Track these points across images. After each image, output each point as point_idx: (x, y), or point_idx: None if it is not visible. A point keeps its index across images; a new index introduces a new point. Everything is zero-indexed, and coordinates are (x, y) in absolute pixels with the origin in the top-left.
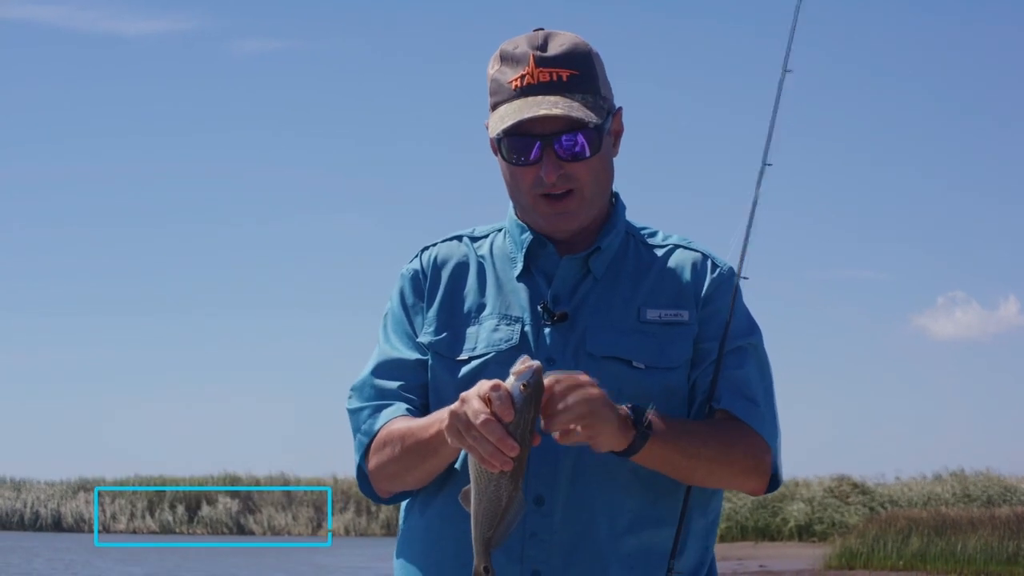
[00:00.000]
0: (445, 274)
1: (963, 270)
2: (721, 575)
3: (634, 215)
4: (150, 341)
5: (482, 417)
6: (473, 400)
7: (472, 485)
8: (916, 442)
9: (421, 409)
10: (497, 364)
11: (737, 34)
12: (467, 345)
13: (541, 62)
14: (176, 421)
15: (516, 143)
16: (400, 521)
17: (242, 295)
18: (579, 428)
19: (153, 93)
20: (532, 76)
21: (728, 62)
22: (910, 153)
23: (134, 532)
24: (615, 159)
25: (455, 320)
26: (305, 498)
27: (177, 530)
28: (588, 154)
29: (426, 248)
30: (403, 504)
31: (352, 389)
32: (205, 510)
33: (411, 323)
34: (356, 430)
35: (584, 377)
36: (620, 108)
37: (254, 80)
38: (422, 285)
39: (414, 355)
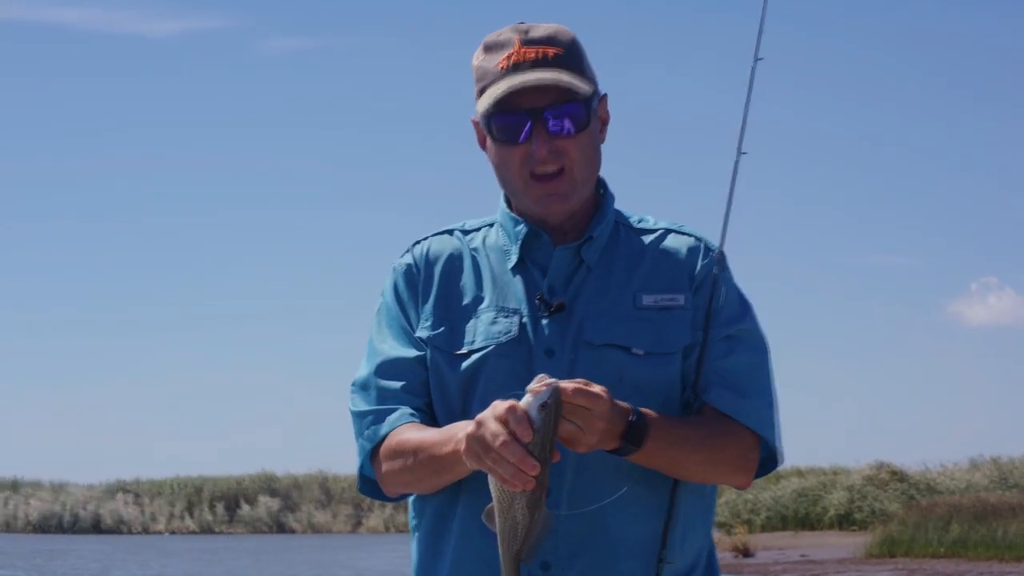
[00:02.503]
0: (438, 268)
1: (996, 256)
2: (764, 564)
3: (619, 203)
4: (186, 344)
5: (501, 439)
6: (490, 422)
7: (495, 504)
8: (952, 428)
9: (425, 408)
10: (497, 356)
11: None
12: (466, 339)
13: (526, 42)
14: (213, 421)
15: (505, 120)
16: (414, 522)
17: (276, 292)
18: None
19: (180, 92)
20: (518, 55)
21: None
22: (946, 140)
23: (173, 532)
24: (602, 146)
25: (452, 314)
26: (344, 496)
27: (217, 529)
28: (577, 129)
29: (417, 242)
30: (412, 502)
31: (353, 390)
32: (244, 509)
33: (407, 318)
34: (359, 434)
35: (596, 388)
36: (605, 95)
37: (280, 78)
38: (416, 279)
39: (413, 352)
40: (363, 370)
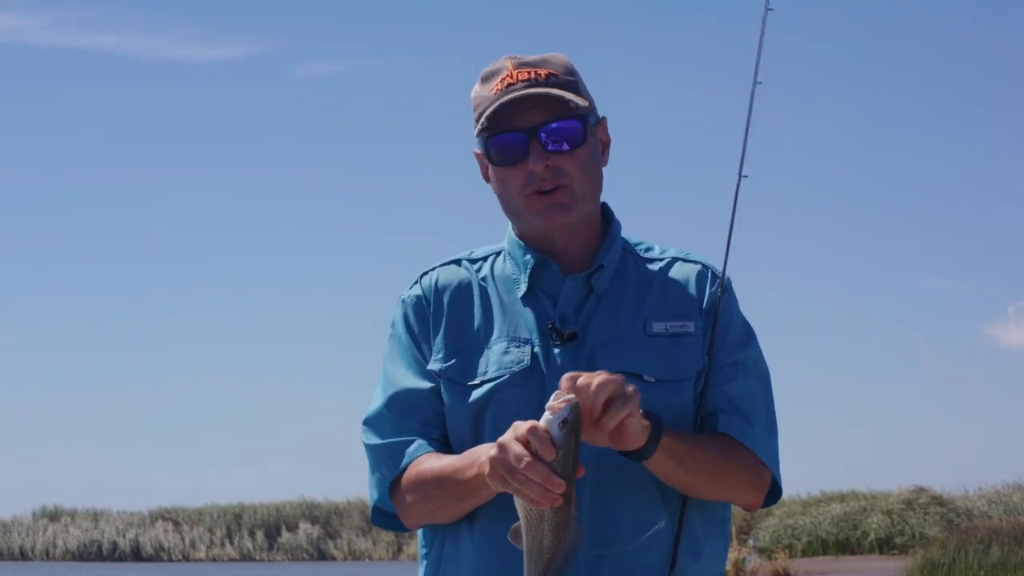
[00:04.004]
0: (447, 298)
1: None
2: None
3: (626, 228)
4: (226, 370)
5: (525, 461)
6: (512, 444)
7: (522, 523)
8: (991, 452)
9: (441, 440)
10: (510, 386)
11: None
12: (479, 370)
13: (520, 65)
14: (252, 447)
15: (502, 142)
16: (423, 551)
17: (315, 316)
18: (615, 409)
19: (217, 117)
20: (512, 77)
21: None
22: (979, 162)
23: (214, 559)
24: (605, 169)
25: (464, 345)
26: None
27: (257, 556)
28: (573, 145)
29: (425, 273)
30: (421, 533)
31: (366, 423)
32: (285, 536)
33: (419, 350)
34: (376, 468)
35: (616, 376)
36: (604, 118)
37: (317, 102)
38: (426, 311)
39: (426, 384)
40: (376, 403)
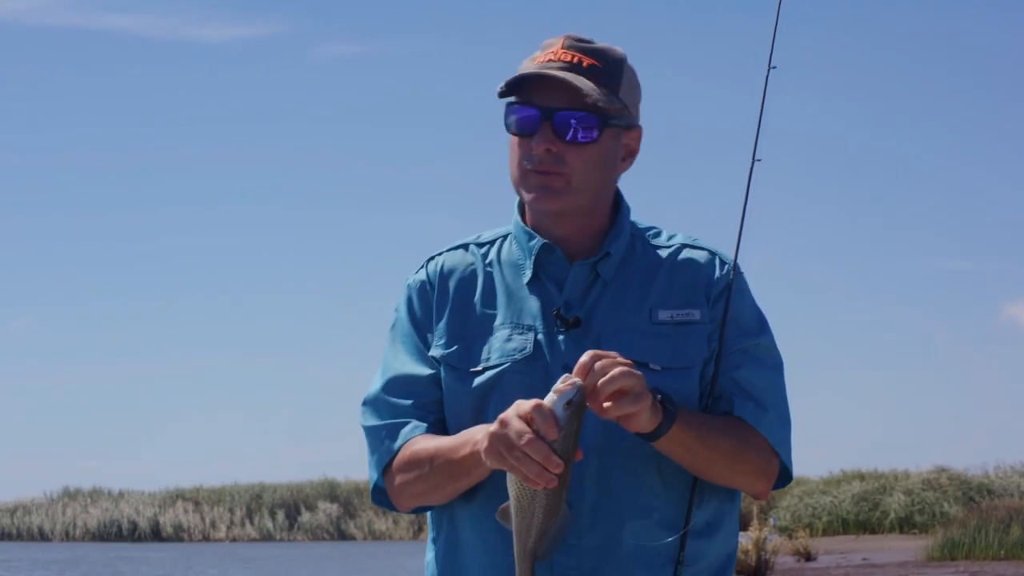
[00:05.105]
0: (452, 284)
1: None
2: (826, 568)
3: (634, 213)
4: (245, 351)
5: (526, 437)
6: (514, 420)
7: (512, 502)
8: (1011, 431)
9: (436, 425)
10: (512, 374)
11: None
12: (481, 356)
13: (570, 46)
14: (272, 428)
15: (517, 111)
16: (432, 535)
17: (333, 298)
18: (622, 403)
19: (234, 98)
20: (556, 55)
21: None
22: (1000, 142)
23: (234, 540)
24: (622, 176)
25: (467, 331)
26: None
27: (277, 536)
28: (582, 138)
29: (431, 258)
30: (431, 516)
31: (364, 405)
32: (305, 516)
33: (421, 336)
34: (374, 449)
35: (621, 357)
36: (639, 127)
37: (334, 84)
38: (430, 297)
39: (425, 370)
40: (375, 385)
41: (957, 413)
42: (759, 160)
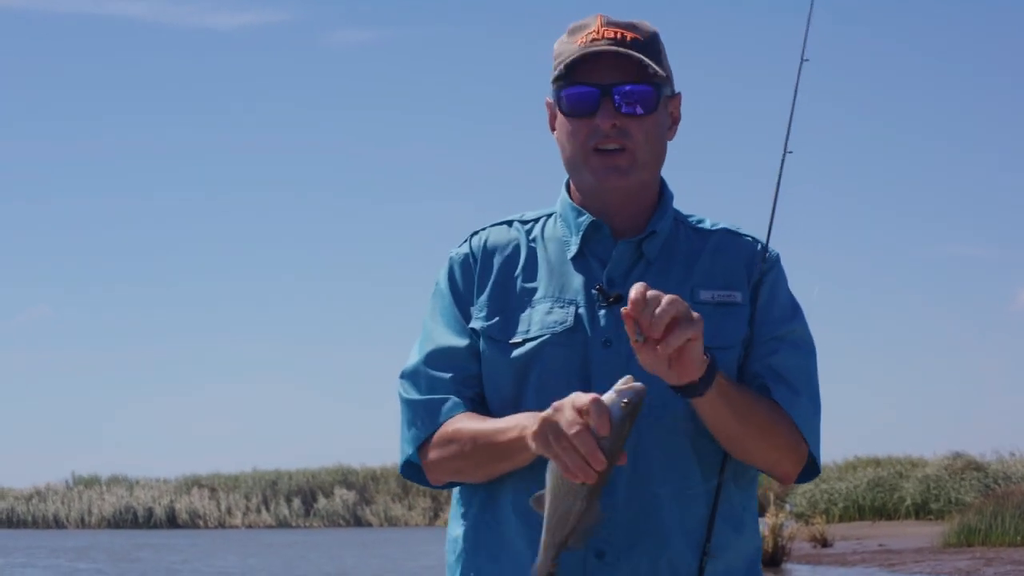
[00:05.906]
0: (496, 259)
1: None
2: (842, 554)
3: (677, 202)
4: (259, 337)
5: (576, 428)
6: (567, 409)
7: (548, 492)
8: None
9: (474, 400)
10: (552, 346)
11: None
12: (520, 328)
13: (608, 24)
14: (288, 414)
15: (575, 93)
16: (460, 510)
17: (349, 283)
18: (682, 329)
19: (247, 84)
20: (598, 33)
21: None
22: (1014, 128)
23: (250, 527)
24: (670, 143)
25: (508, 304)
26: (421, 488)
27: (293, 523)
28: (645, 110)
29: (475, 233)
30: (460, 491)
31: (403, 377)
32: (321, 502)
33: (461, 308)
34: (411, 423)
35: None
36: (679, 94)
37: (347, 71)
38: (472, 270)
39: (465, 342)
40: (414, 358)
41: (974, 399)
42: (790, 152)
